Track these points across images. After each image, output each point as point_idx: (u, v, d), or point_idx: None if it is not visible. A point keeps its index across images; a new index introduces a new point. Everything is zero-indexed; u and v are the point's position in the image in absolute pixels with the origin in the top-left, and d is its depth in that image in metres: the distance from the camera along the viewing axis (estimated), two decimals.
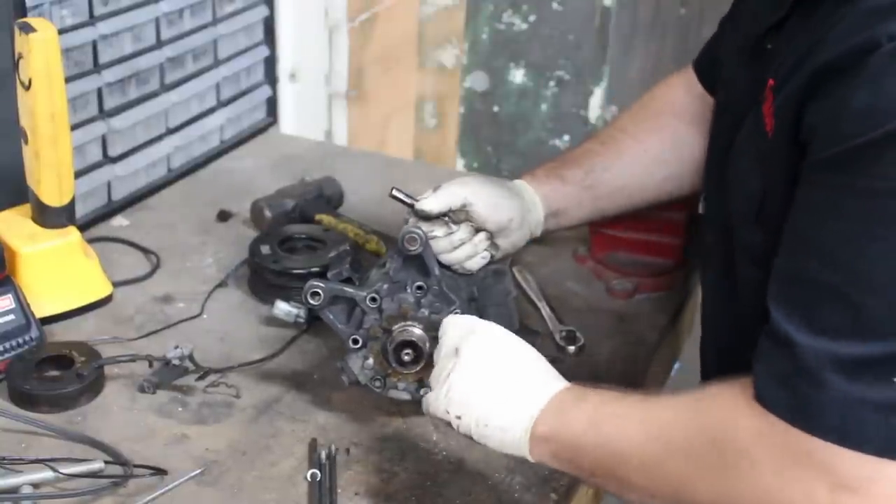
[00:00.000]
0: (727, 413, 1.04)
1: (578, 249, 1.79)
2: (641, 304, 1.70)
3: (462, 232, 1.42)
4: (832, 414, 0.97)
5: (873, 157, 0.96)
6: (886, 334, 0.95)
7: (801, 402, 0.99)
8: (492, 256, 1.45)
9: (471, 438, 1.19)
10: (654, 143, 1.57)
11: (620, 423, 1.11)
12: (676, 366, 1.84)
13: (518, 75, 2.91)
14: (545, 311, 1.65)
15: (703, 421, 1.06)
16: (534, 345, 1.42)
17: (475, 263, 1.44)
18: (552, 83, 2.89)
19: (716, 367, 1.42)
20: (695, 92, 1.58)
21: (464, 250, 1.42)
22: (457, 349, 1.21)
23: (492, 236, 1.45)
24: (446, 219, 1.42)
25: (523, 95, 2.92)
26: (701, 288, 1.47)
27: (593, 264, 1.76)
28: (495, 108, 2.96)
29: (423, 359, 1.35)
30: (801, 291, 1.01)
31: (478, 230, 1.43)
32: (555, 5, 2.81)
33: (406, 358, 1.35)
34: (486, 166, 3.02)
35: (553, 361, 1.51)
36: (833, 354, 0.97)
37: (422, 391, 1.38)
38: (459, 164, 3.04)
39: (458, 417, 1.18)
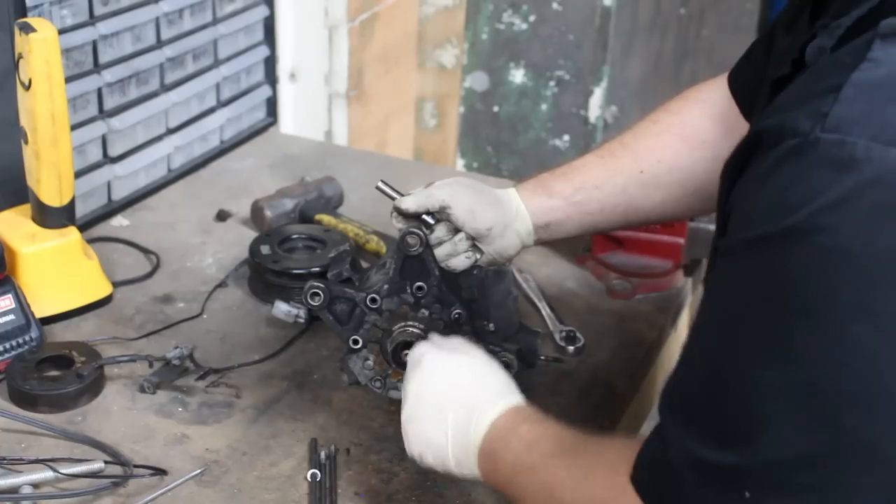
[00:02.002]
0: (608, 491, 1.04)
1: (578, 249, 1.79)
2: (641, 304, 1.70)
3: (440, 231, 1.41)
4: None
5: (741, 254, 0.93)
6: (741, 445, 0.91)
7: (661, 495, 0.98)
8: (476, 260, 1.44)
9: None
10: (652, 165, 1.49)
11: (528, 479, 1.12)
12: None
13: (518, 75, 2.91)
14: (545, 311, 1.65)
15: (588, 490, 1.06)
16: (534, 345, 1.42)
17: (459, 263, 1.42)
18: (552, 83, 2.89)
19: None
20: (714, 112, 1.48)
21: (443, 249, 1.41)
22: (405, 389, 1.24)
23: (472, 240, 1.43)
24: (430, 218, 1.41)
25: (523, 95, 2.92)
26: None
27: (593, 264, 1.76)
28: (495, 108, 2.96)
29: None
30: (683, 382, 0.99)
31: (457, 231, 1.42)
32: (555, 5, 2.81)
33: (405, 358, 1.35)
34: (486, 166, 3.02)
35: (553, 361, 1.53)
36: (694, 455, 0.94)
37: None
38: (459, 164, 3.04)
39: (420, 456, 1.22)
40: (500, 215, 1.43)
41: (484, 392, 1.21)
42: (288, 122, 2.31)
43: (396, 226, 1.41)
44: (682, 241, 1.73)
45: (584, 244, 1.78)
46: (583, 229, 1.52)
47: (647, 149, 1.50)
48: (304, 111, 2.36)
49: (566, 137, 2.93)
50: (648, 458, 1.00)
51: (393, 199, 1.42)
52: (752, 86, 1.39)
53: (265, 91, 2.21)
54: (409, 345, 1.35)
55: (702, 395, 0.95)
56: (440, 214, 1.41)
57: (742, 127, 1.42)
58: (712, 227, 1.72)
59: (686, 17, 3.52)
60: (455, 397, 1.20)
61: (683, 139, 1.48)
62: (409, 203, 1.40)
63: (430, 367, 1.24)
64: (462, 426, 1.18)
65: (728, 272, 0.96)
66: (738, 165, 0.98)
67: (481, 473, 1.18)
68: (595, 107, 2.89)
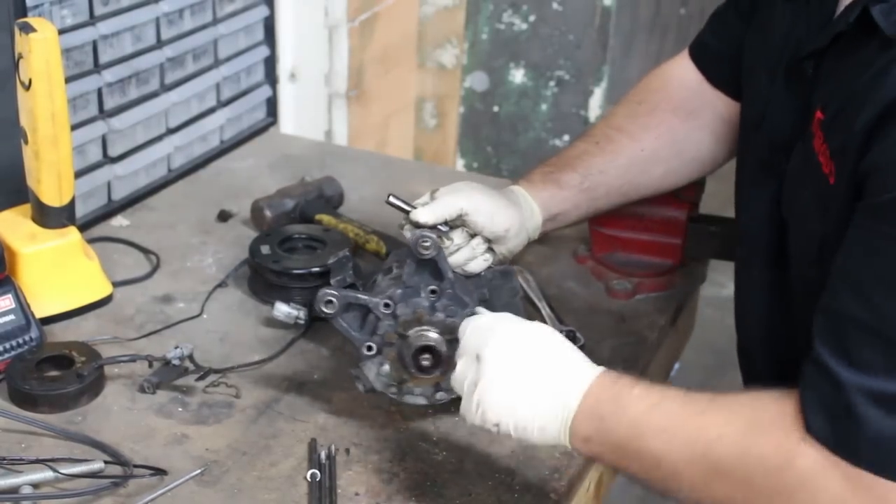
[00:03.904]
0: (782, 442, 1.05)
1: (578, 249, 1.79)
2: (641, 304, 1.70)
3: (458, 237, 1.42)
4: (871, 447, 1.00)
5: None
6: None
7: (845, 436, 1.02)
8: (491, 261, 1.45)
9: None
10: (651, 141, 1.57)
11: (666, 439, 1.11)
12: (676, 366, 1.84)
13: (518, 75, 2.91)
14: (545, 311, 1.65)
15: (755, 448, 1.07)
16: None
17: (477, 266, 1.44)
18: (552, 83, 2.89)
19: (767, 370, 1.41)
20: (689, 84, 1.58)
21: (462, 254, 1.42)
22: (478, 355, 1.20)
23: (489, 242, 1.45)
24: (444, 226, 1.41)
25: (523, 95, 2.92)
26: (736, 290, 1.45)
27: (593, 264, 1.76)
28: (495, 108, 2.96)
29: (441, 363, 1.35)
30: (842, 328, 1.04)
31: (473, 235, 1.43)
32: (555, 5, 2.82)
33: (425, 363, 1.34)
34: (486, 166, 3.02)
35: None
36: (870, 389, 1.00)
37: (438, 395, 1.38)
38: (459, 164, 3.04)
39: (496, 425, 1.18)
40: (517, 214, 1.47)
41: (572, 358, 1.19)
42: (288, 122, 2.31)
43: (406, 235, 1.41)
44: (681, 241, 1.73)
45: (584, 244, 1.78)
46: (587, 215, 1.59)
47: (643, 127, 1.57)
48: (304, 111, 2.36)
49: (566, 137, 2.93)
50: (821, 404, 1.04)
51: (406, 212, 1.41)
52: (720, 57, 1.52)
53: (265, 91, 2.21)
54: (427, 349, 1.34)
55: (866, 335, 1.02)
56: (455, 221, 1.41)
57: (712, 96, 1.55)
58: (712, 227, 1.73)
59: (686, 17, 3.52)
60: (543, 364, 1.18)
61: (674, 112, 1.57)
62: (427, 216, 1.40)
63: (507, 334, 1.20)
64: (554, 393, 1.16)
65: (886, 226, 1.02)
66: (869, 132, 1.06)
67: (575, 439, 1.15)
68: (595, 107, 2.89)
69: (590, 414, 1.14)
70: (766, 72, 1.33)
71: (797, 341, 1.18)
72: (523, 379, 1.17)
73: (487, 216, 1.42)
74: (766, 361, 1.41)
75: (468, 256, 1.42)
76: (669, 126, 1.57)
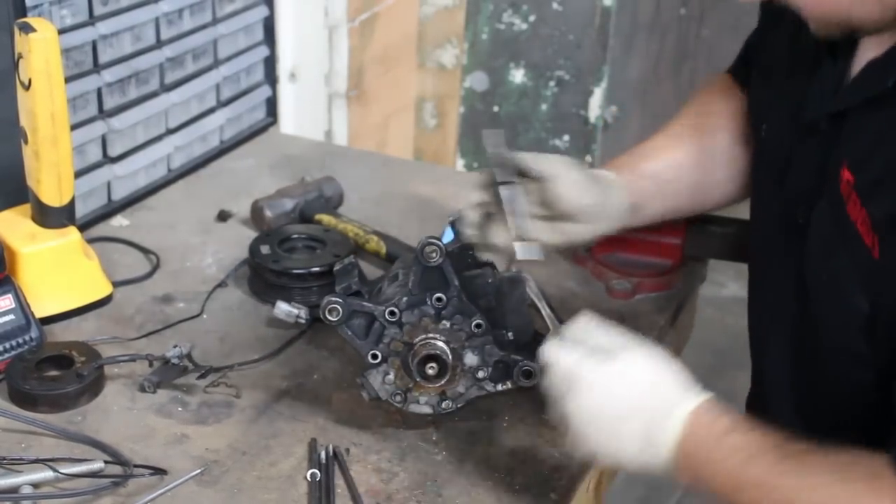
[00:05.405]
0: None
1: (578, 249, 1.78)
2: (641, 304, 1.70)
3: (520, 202, 1.35)
4: None
5: None
6: None
7: None
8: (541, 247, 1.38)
9: None
10: (710, 148, 1.54)
11: (763, 493, 1.08)
12: None
13: (518, 75, 2.91)
14: (545, 311, 1.64)
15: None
16: None
17: (527, 252, 1.35)
18: (552, 83, 2.89)
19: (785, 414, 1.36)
20: (732, 108, 1.54)
21: (529, 226, 1.35)
22: (563, 406, 1.18)
23: (562, 218, 1.40)
24: (516, 178, 1.35)
25: (523, 95, 2.92)
26: (750, 306, 1.42)
27: (593, 264, 1.76)
28: (495, 108, 2.96)
29: (447, 372, 1.35)
30: None
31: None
32: (555, 5, 2.81)
33: (431, 372, 1.34)
34: (486, 166, 3.02)
35: None
36: None
37: (444, 404, 1.38)
38: (459, 164, 3.04)
39: (596, 457, 1.18)
40: (601, 194, 1.43)
41: (665, 394, 1.15)
42: (288, 122, 2.31)
43: (477, 184, 1.38)
44: (681, 241, 1.73)
45: (585, 244, 1.78)
46: (665, 213, 1.55)
47: (704, 132, 1.54)
48: (304, 111, 2.36)
49: (566, 137, 2.93)
50: None
51: (498, 153, 1.35)
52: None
53: (265, 91, 2.21)
54: (433, 358, 1.34)
55: None
56: (531, 186, 1.38)
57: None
58: (712, 227, 1.72)
59: (686, 17, 3.52)
60: (630, 417, 1.15)
61: (722, 129, 1.54)
62: (519, 159, 1.36)
63: (588, 389, 1.17)
64: (648, 435, 1.14)
65: None
66: None
67: (677, 475, 1.14)
68: (595, 107, 2.89)
69: (685, 467, 1.13)
70: (774, 109, 1.31)
71: (820, 386, 1.17)
72: (616, 425, 1.15)
73: (575, 185, 1.37)
74: (784, 404, 1.37)
75: (541, 231, 1.37)
76: (720, 140, 1.54)
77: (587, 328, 1.25)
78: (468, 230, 1.41)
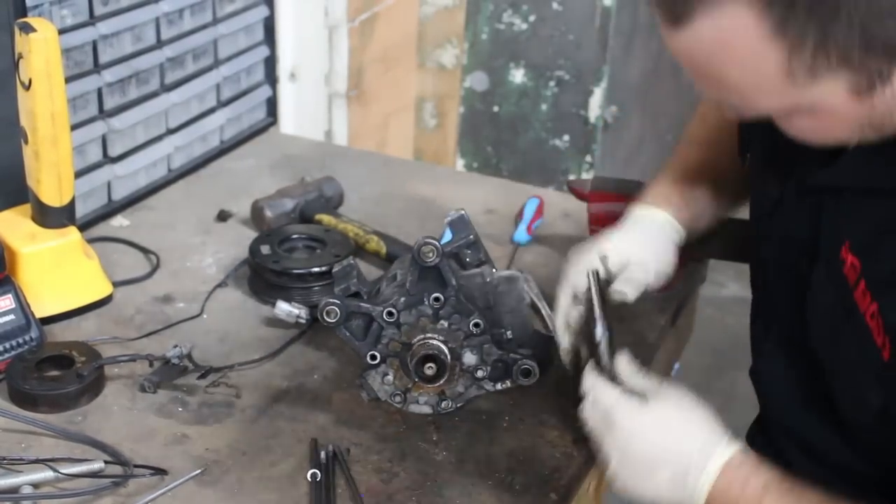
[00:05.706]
0: None
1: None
2: (641, 304, 1.69)
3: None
4: None
5: None
6: None
7: None
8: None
9: None
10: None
11: None
12: (676, 366, 1.84)
13: (518, 75, 2.91)
14: (545, 311, 1.64)
15: None
16: (548, 350, 1.41)
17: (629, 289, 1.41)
18: (552, 83, 2.89)
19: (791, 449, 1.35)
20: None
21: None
22: (602, 442, 1.24)
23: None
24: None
25: (523, 95, 2.92)
26: (753, 335, 1.41)
27: None
28: (495, 108, 2.96)
29: (446, 371, 1.35)
30: None
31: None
32: (555, 5, 2.82)
33: (429, 372, 1.34)
34: (486, 166, 3.02)
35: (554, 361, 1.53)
36: None
37: (443, 404, 1.38)
38: (459, 164, 3.04)
39: (633, 496, 1.22)
40: (671, 257, 1.46)
41: (694, 445, 1.19)
42: (288, 122, 2.31)
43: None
44: None
45: None
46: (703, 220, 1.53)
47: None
48: (304, 111, 2.36)
49: (566, 137, 2.93)
50: None
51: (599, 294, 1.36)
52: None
53: (265, 91, 2.21)
54: (431, 358, 1.34)
55: None
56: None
57: None
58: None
59: None
60: (666, 455, 1.20)
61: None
62: (630, 290, 1.41)
63: (622, 432, 1.22)
64: (684, 484, 1.18)
65: None
66: None
67: None
68: (595, 107, 2.89)
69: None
70: (775, 191, 1.28)
71: (829, 418, 1.18)
72: (648, 472, 1.20)
73: (653, 273, 1.42)
74: (789, 440, 1.36)
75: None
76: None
77: (626, 369, 1.28)
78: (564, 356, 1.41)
